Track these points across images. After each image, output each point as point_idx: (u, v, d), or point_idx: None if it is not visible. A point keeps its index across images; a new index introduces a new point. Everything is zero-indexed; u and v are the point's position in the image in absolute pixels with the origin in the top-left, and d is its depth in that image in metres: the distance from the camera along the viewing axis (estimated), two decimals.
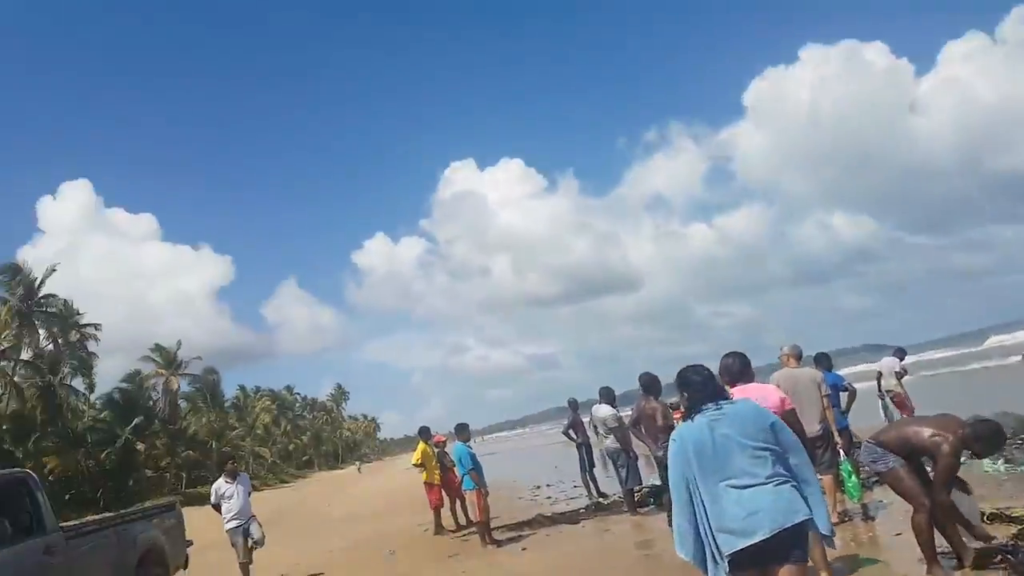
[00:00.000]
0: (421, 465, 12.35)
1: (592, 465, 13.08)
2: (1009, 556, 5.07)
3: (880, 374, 12.86)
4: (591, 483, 12.99)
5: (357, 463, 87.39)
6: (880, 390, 12.79)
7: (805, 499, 3.41)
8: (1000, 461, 9.08)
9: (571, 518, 11.17)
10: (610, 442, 10.56)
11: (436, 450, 12.49)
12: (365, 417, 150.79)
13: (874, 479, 9.44)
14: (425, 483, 12.39)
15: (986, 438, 5.07)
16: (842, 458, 7.17)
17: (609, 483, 12.41)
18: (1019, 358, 30.69)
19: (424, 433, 12.79)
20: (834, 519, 7.37)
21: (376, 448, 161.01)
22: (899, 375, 12.73)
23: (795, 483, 3.43)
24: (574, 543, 9.46)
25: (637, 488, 10.67)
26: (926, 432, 5.27)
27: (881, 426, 6.59)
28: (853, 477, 7.10)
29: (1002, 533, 5.78)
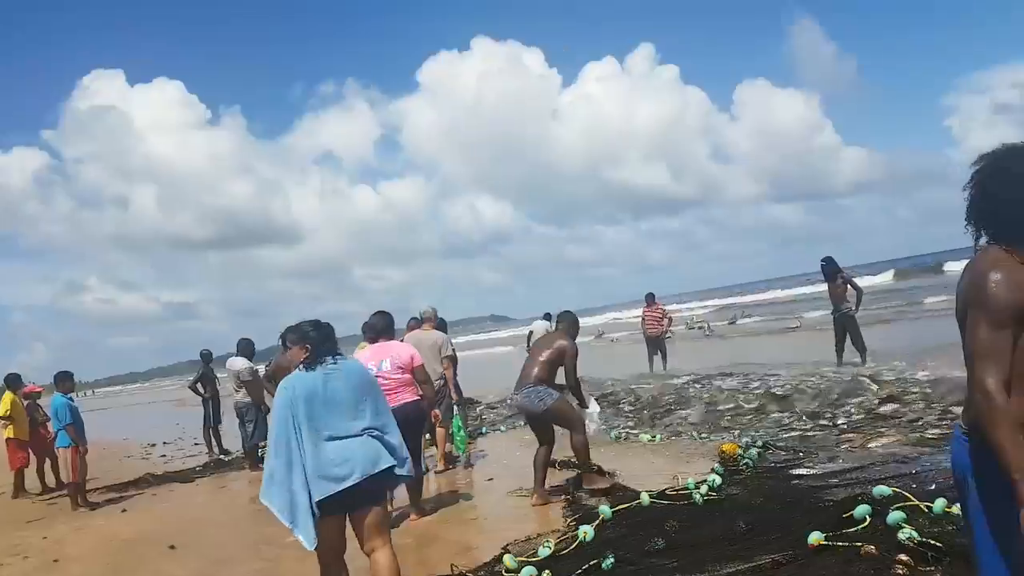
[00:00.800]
0: (7, 418, 10.64)
1: (217, 421, 12.50)
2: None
3: (531, 333, 14.72)
4: (213, 439, 12.45)
5: None
6: (528, 345, 13.97)
7: (390, 450, 3.81)
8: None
9: (185, 476, 10.63)
10: (241, 396, 10.24)
11: (27, 402, 10.87)
12: None
13: (487, 430, 10.65)
14: (9, 440, 10.72)
15: (572, 323, 6.62)
16: (455, 412, 7.92)
17: (235, 440, 11.99)
18: (599, 335, 36.07)
19: (13, 381, 11.06)
20: (440, 467, 8.16)
21: None
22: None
23: (384, 436, 3.83)
24: (183, 501, 9.04)
25: (262, 443, 10.48)
26: (546, 352, 6.33)
27: None
28: (462, 431, 7.89)
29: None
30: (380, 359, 6.16)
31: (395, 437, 3.89)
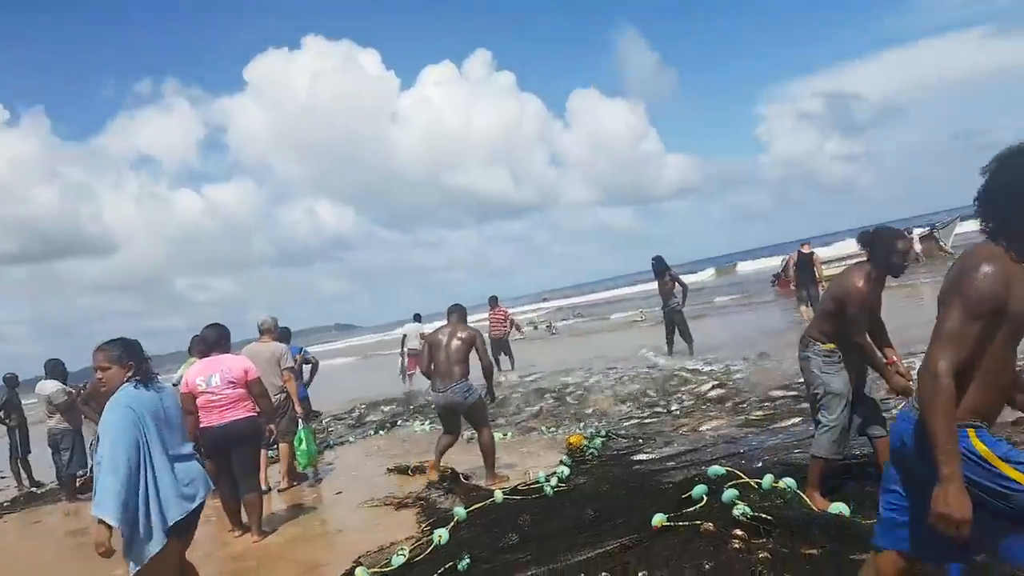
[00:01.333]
0: None
1: (26, 451, 11.27)
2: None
3: (405, 336, 15.56)
4: (22, 471, 11.24)
5: None
6: (403, 348, 15.49)
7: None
8: (427, 423, 10.76)
9: None
10: (55, 422, 9.30)
11: None
12: None
13: (334, 442, 10.31)
14: None
15: (463, 313, 6.77)
16: (300, 426, 7.59)
17: (48, 470, 10.82)
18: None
19: None
20: (284, 484, 7.81)
21: None
22: (423, 336, 14.58)
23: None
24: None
25: (80, 473, 9.55)
26: (456, 345, 6.48)
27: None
28: (303, 444, 7.58)
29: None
30: (209, 374, 5.85)
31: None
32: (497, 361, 15.70)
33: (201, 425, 5.80)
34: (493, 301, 16.28)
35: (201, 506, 3.68)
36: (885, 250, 4.14)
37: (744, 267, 49.08)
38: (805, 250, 16.19)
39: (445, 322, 6.80)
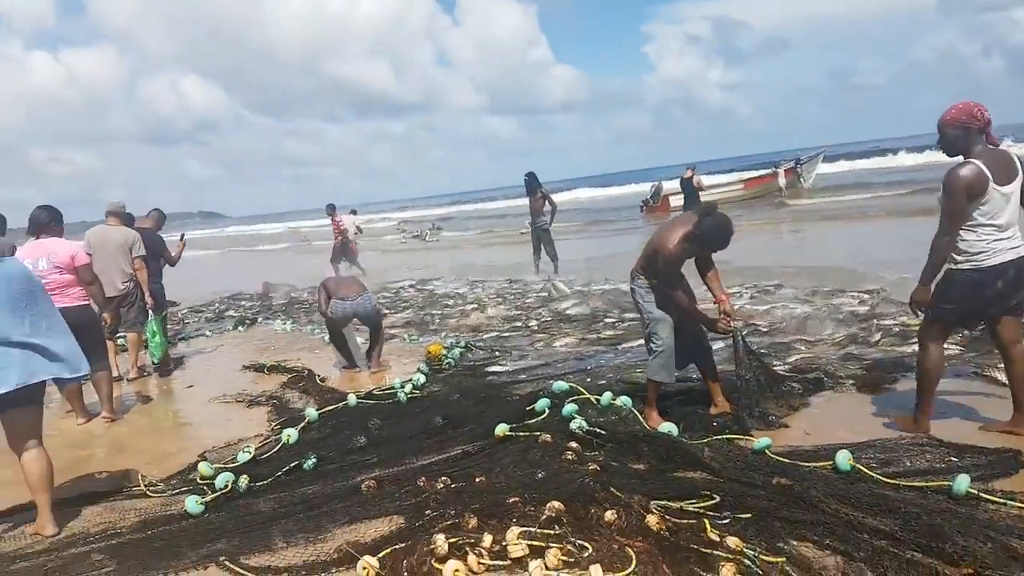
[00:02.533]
0: None
1: None
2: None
3: (345, 229, 16.15)
4: None
5: None
6: (348, 238, 16.15)
7: (53, 358, 3.71)
8: (288, 322, 10.59)
9: None
10: None
11: None
12: None
13: (190, 334, 9.95)
14: None
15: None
16: (150, 317, 7.28)
17: None
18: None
19: None
20: (133, 374, 7.54)
21: None
22: (358, 229, 16.84)
23: (45, 345, 3.68)
24: None
25: None
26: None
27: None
28: (157, 337, 7.30)
29: None
30: (36, 257, 5.56)
31: (60, 342, 3.75)
32: (335, 269, 15.54)
33: None
34: (330, 208, 16.05)
35: (13, 392, 3.55)
36: (716, 228, 4.28)
37: (620, 191, 50.30)
38: (688, 175, 16.92)
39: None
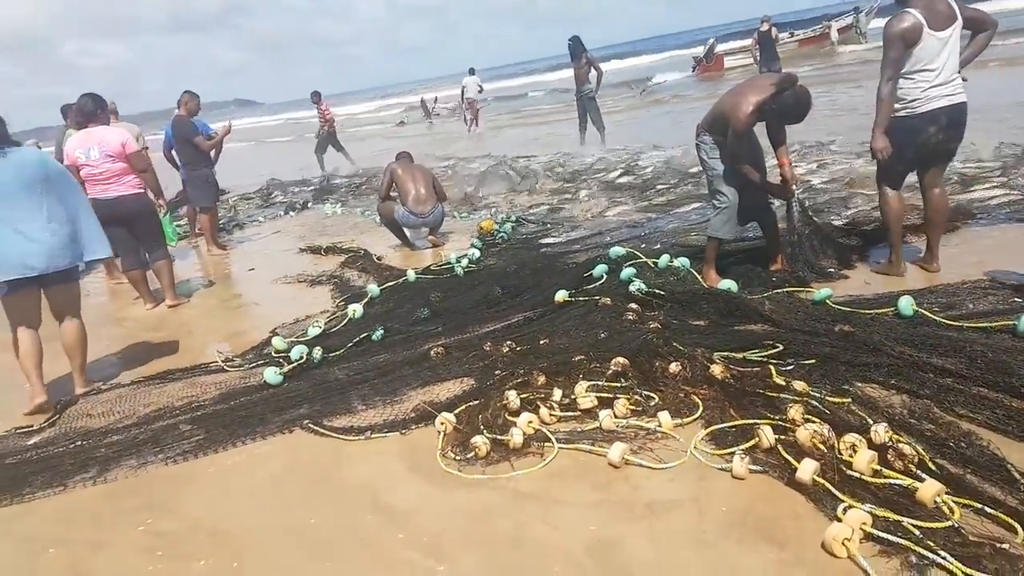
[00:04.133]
0: None
1: None
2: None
3: (464, 88, 19.47)
4: None
5: None
6: (463, 100, 19.73)
7: (78, 240, 4.15)
8: (338, 205, 10.71)
9: None
10: None
11: None
12: None
13: (246, 221, 10.18)
14: None
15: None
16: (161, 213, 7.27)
17: None
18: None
19: None
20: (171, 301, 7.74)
21: None
22: (479, 88, 19.79)
23: (70, 229, 4.09)
24: None
25: None
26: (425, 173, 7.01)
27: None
28: (171, 225, 7.42)
29: None
30: (88, 146, 5.64)
31: (86, 226, 4.17)
32: (320, 162, 15.76)
33: (89, 197, 5.64)
34: (315, 96, 15.86)
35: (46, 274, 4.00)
36: (795, 105, 4.12)
37: (670, 55, 47.79)
38: (764, 27, 16.46)
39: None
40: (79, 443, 3.52)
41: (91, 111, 5.75)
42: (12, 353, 4.15)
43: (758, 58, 17.38)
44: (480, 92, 20.18)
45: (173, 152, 8.44)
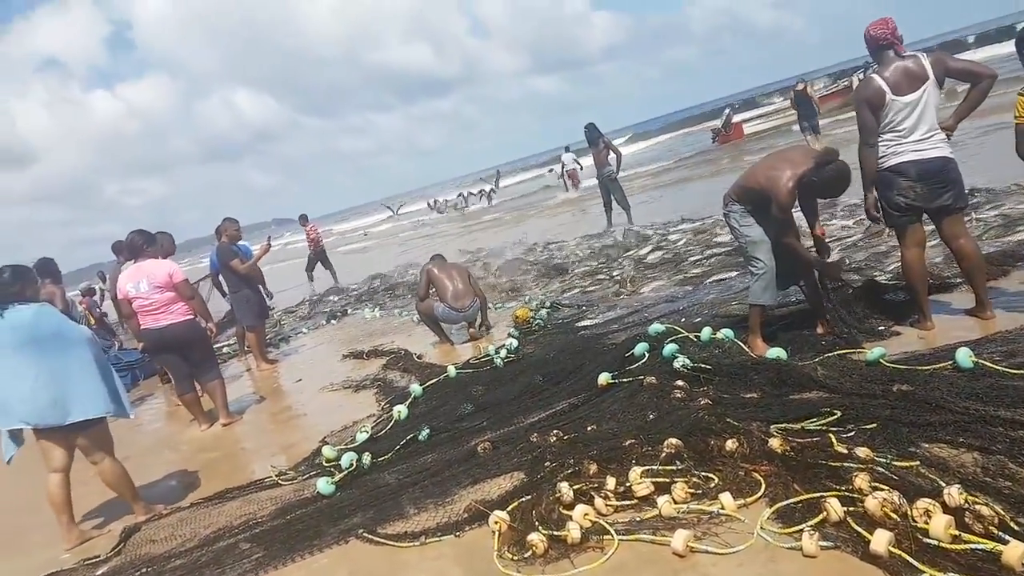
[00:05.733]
0: None
1: None
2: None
3: (563, 162, 25.09)
4: None
5: None
6: (562, 170, 25.40)
7: (81, 399, 4.13)
8: (376, 309, 10.84)
9: None
10: None
11: None
12: None
13: (290, 334, 10.36)
14: None
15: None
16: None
17: None
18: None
19: None
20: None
21: None
22: (575, 160, 24.48)
23: (70, 387, 4.09)
24: None
25: None
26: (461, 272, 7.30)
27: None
28: None
29: None
30: (138, 280, 5.88)
31: (79, 384, 4.10)
32: (309, 276, 17.40)
33: (142, 327, 5.96)
34: (303, 219, 17.32)
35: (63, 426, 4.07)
36: (837, 179, 4.13)
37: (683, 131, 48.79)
38: (800, 87, 17.89)
39: None
40: (144, 570, 3.53)
41: (139, 246, 6.00)
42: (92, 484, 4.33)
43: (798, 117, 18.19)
44: (575, 162, 24.89)
45: (220, 278, 8.81)
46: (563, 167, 25.46)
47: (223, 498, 4.33)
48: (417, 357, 6.80)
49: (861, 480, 2.54)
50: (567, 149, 25.60)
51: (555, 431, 3.77)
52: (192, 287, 6.21)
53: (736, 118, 30.30)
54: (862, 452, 2.76)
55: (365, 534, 3.31)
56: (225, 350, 9.71)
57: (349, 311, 11.66)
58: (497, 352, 5.90)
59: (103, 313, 14.58)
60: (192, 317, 6.05)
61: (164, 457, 5.78)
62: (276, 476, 4.43)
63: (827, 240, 4.51)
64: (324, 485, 3.89)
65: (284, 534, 3.53)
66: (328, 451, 4.48)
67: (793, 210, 4.30)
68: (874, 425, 3.01)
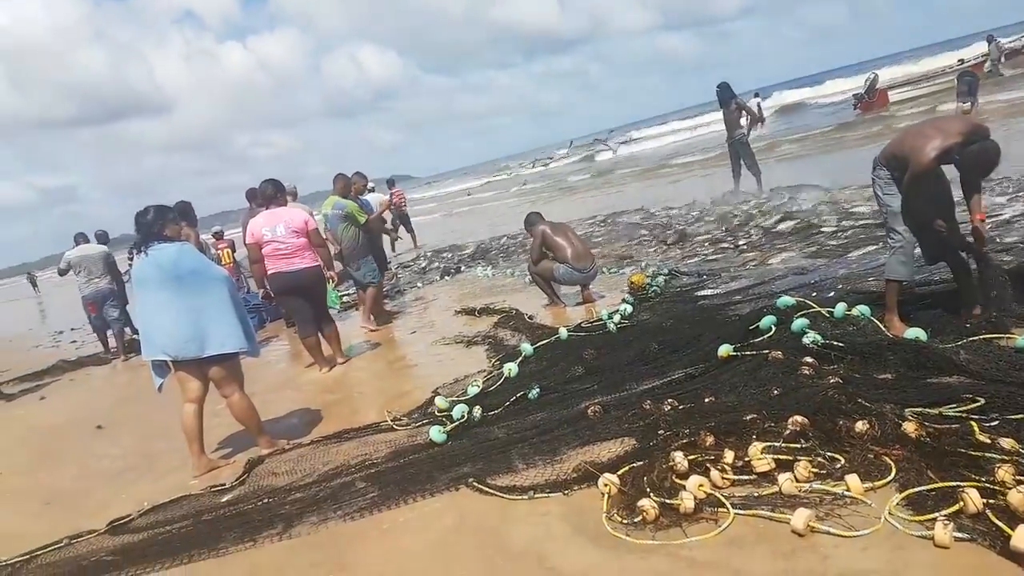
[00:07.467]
0: None
1: (125, 302, 11.89)
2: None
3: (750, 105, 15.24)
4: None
5: None
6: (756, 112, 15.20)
7: (216, 332, 4.34)
8: (488, 268, 10.94)
9: (101, 360, 10.42)
10: (106, 283, 9.91)
11: None
12: None
13: (405, 288, 10.66)
14: None
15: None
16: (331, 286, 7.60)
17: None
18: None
19: None
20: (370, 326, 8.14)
21: None
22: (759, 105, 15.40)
23: (212, 320, 4.33)
24: (104, 383, 8.98)
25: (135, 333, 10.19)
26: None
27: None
28: (335, 292, 7.84)
29: None
30: (274, 224, 6.14)
31: (216, 320, 4.32)
32: (393, 243, 16.51)
33: (269, 272, 6.25)
34: (391, 183, 17.93)
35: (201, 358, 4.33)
36: (980, 157, 3.80)
37: (829, 87, 45.62)
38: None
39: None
40: (266, 500, 3.74)
41: (271, 195, 6.31)
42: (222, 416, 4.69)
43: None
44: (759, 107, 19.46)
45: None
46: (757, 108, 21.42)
47: (341, 438, 4.52)
48: (528, 317, 6.81)
49: (1004, 472, 2.34)
50: (756, 94, 20.23)
51: (670, 400, 3.68)
52: (321, 235, 6.45)
53: (882, 82, 28.01)
54: (1007, 443, 2.54)
55: (475, 483, 3.36)
56: (345, 298, 10.06)
57: (463, 268, 11.83)
58: (610, 317, 5.81)
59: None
60: (319, 264, 6.29)
61: (287, 396, 6.09)
62: (391, 421, 4.58)
63: (987, 223, 4.07)
64: (436, 433, 3.99)
65: (398, 476, 3.65)
66: (441, 401, 4.58)
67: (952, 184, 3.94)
68: (1022, 416, 2.76)
